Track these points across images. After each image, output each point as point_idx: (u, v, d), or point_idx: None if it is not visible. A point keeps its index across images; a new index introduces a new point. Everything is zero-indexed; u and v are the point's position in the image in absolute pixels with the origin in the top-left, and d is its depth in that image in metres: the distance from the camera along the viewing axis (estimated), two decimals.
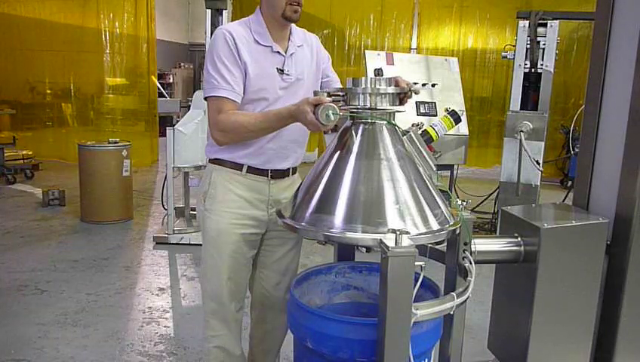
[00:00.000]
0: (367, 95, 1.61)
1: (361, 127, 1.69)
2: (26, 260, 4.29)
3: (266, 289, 2.14)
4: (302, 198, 1.67)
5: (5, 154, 7.21)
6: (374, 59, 4.64)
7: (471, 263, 1.74)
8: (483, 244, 1.82)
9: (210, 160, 2.01)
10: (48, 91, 9.00)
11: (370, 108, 1.62)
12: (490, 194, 5.40)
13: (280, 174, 1.97)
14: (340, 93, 1.68)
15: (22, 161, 7.51)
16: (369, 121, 1.67)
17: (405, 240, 1.42)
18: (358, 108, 1.63)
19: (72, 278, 3.94)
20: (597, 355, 1.99)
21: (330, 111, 1.57)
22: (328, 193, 1.63)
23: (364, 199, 1.60)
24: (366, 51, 4.91)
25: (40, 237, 4.95)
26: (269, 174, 1.94)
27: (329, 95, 1.65)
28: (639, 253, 1.80)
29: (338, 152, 1.69)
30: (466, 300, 1.67)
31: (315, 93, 1.65)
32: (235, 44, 1.83)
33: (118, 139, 5.53)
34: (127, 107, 8.84)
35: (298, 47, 1.98)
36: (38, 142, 8.67)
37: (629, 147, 1.74)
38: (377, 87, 1.61)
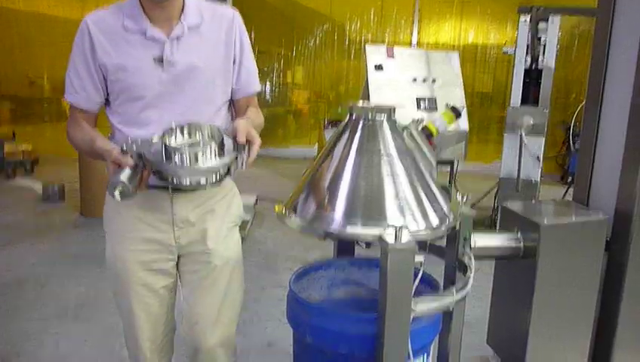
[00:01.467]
0: (181, 173, 1.33)
1: (361, 123, 1.69)
2: (26, 255, 4.29)
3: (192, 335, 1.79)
4: (301, 193, 1.67)
5: (5, 149, 7.20)
6: (375, 54, 4.63)
7: (470, 259, 1.75)
8: (483, 240, 1.82)
9: None
10: (47, 86, 8.99)
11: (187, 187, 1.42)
12: (490, 190, 5.41)
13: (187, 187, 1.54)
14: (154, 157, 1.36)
15: (21, 155, 7.51)
16: (369, 116, 1.66)
17: (405, 236, 1.42)
18: (169, 184, 1.42)
19: (72, 273, 3.95)
20: (596, 351, 2.00)
21: (118, 191, 1.26)
22: (328, 188, 1.63)
23: (364, 194, 1.60)
24: (366, 46, 4.90)
25: (40, 231, 4.95)
26: (169, 188, 1.58)
27: (139, 157, 1.35)
28: (639, 249, 1.80)
29: (338, 147, 1.69)
30: (465, 295, 1.67)
31: (129, 147, 1.36)
32: (91, 37, 1.52)
33: None
34: None
35: (191, 27, 1.58)
36: (38, 136, 8.66)
37: (630, 143, 1.74)
38: (194, 165, 1.32)
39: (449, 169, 4.77)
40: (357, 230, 1.54)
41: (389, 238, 1.41)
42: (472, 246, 1.78)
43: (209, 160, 1.30)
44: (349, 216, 1.57)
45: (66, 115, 6.91)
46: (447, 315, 1.79)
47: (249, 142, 1.40)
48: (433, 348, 1.83)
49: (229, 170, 1.37)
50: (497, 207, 4.92)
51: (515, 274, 2.10)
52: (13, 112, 9.18)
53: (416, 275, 1.47)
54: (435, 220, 1.63)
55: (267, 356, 2.99)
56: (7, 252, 4.34)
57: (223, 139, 1.37)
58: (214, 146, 1.33)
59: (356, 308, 1.73)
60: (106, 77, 1.51)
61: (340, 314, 1.59)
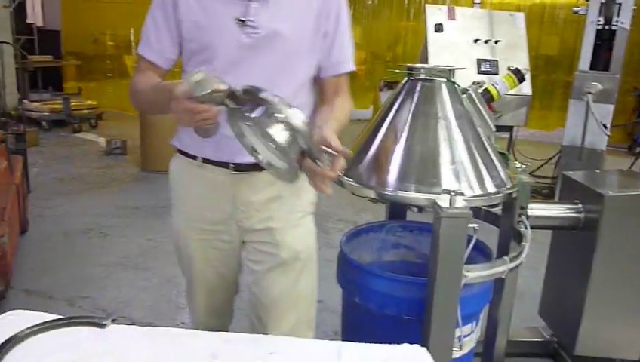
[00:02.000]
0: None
1: (418, 85, 1.65)
2: (91, 205, 4.52)
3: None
4: (355, 155, 1.66)
5: (71, 104, 7.52)
6: (435, 14, 4.46)
7: (526, 228, 1.70)
8: (541, 209, 1.77)
9: None
10: (110, 43, 9.24)
11: None
12: (551, 158, 5.20)
13: (250, 168, 1.36)
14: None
15: (86, 110, 7.82)
16: (427, 78, 1.62)
17: (459, 202, 1.39)
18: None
19: (133, 224, 4.14)
20: None
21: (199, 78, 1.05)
22: (382, 151, 1.62)
23: (419, 158, 1.58)
24: (426, 5, 4.72)
25: (103, 184, 5.20)
26: (231, 166, 1.39)
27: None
28: None
29: (393, 110, 1.66)
30: (519, 265, 1.64)
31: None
32: None
33: None
34: None
35: None
36: (101, 93, 8.98)
37: None
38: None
39: (508, 135, 4.61)
40: (410, 194, 1.52)
41: (443, 203, 1.39)
42: (529, 215, 1.73)
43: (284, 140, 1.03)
44: (403, 179, 1.55)
45: (127, 72, 7.07)
46: (498, 284, 1.77)
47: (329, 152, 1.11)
48: (483, 316, 1.81)
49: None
50: (557, 176, 4.74)
51: (573, 245, 2.03)
52: (79, 69, 9.53)
53: (469, 242, 1.45)
54: (491, 187, 1.59)
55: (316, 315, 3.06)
56: (75, 201, 4.59)
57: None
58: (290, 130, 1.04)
59: (406, 272, 1.73)
60: (183, 34, 1.39)
61: (389, 276, 1.59)
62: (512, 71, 1.93)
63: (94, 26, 9.14)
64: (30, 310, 1.09)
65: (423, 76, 1.65)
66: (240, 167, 1.37)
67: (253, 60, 1.34)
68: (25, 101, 7.29)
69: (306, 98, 1.44)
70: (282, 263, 1.45)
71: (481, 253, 1.74)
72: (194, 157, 1.42)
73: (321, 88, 1.46)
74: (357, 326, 1.72)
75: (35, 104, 7.56)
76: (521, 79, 1.94)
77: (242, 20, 1.32)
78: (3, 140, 3.21)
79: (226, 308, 1.63)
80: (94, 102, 8.09)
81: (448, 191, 1.40)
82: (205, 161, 1.40)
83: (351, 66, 1.45)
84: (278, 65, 1.35)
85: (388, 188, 1.55)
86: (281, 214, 1.44)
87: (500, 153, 1.74)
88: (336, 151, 1.09)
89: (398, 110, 1.64)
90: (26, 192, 4.00)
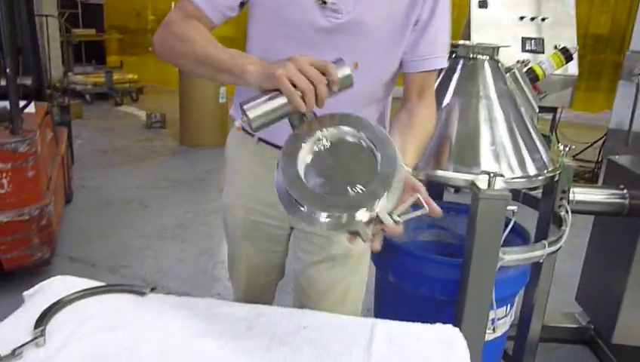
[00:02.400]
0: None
1: (460, 62, 1.61)
2: (132, 177, 4.65)
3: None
4: None
5: (113, 78, 7.68)
6: None
7: (567, 212, 1.66)
8: (583, 194, 1.71)
9: None
10: (151, 17, 9.35)
11: None
12: (596, 142, 5.02)
13: None
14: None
15: (128, 84, 7.98)
16: (470, 56, 1.58)
17: (499, 183, 1.37)
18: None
19: (171, 196, 4.24)
20: None
21: (242, 120, 0.92)
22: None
23: (459, 138, 1.55)
24: None
25: (143, 156, 5.32)
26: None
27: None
28: None
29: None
30: (557, 249, 1.60)
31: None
32: None
33: None
34: (224, 34, 8.99)
35: None
36: (142, 67, 9.12)
37: None
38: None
39: (551, 116, 4.47)
40: (448, 174, 1.50)
41: (482, 184, 1.37)
42: (571, 199, 1.68)
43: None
44: (441, 159, 1.53)
45: None
46: (535, 268, 1.74)
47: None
48: (518, 300, 1.79)
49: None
50: (602, 160, 4.58)
51: (616, 232, 1.97)
52: (121, 43, 9.70)
53: (506, 224, 1.42)
54: (532, 169, 1.55)
55: None
56: (116, 173, 4.73)
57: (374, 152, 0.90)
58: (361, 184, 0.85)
59: (441, 252, 1.72)
60: None
61: (424, 256, 1.58)
62: (560, 49, 1.86)
63: (136, 0, 9.25)
64: (74, 276, 1.14)
65: (465, 54, 1.60)
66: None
67: (328, 47, 1.14)
68: (69, 74, 7.48)
69: (383, 94, 1.26)
70: (332, 258, 1.34)
71: (518, 236, 1.70)
72: (251, 134, 1.28)
73: (404, 84, 1.25)
74: (390, 304, 1.73)
75: (79, 77, 7.76)
76: (569, 58, 1.87)
77: (324, 2, 1.13)
78: (49, 112, 3.31)
79: (267, 292, 1.53)
80: (135, 76, 8.23)
81: (487, 173, 1.37)
82: (261, 140, 1.27)
83: (441, 62, 1.22)
84: (355, 56, 1.15)
85: (425, 168, 1.53)
86: None
87: (543, 135, 1.69)
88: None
89: (438, 88, 1.61)
90: (70, 163, 4.14)
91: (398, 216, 0.85)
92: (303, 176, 0.86)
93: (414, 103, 1.22)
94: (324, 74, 0.90)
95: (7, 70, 2.46)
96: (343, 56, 1.06)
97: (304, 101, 0.88)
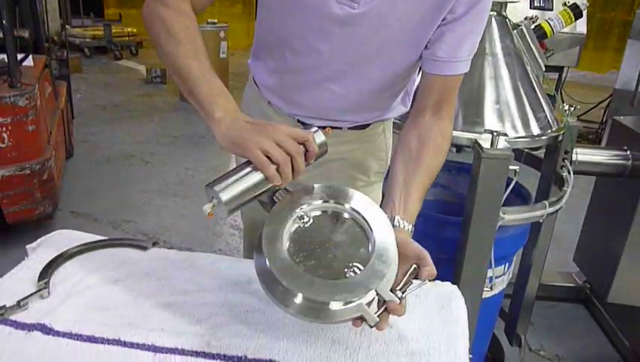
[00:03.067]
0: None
1: None
2: (132, 133, 4.63)
3: None
4: None
5: (112, 31, 7.54)
6: None
7: (569, 173, 1.65)
8: (586, 155, 1.71)
9: None
10: None
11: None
12: (601, 102, 4.97)
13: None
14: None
15: (127, 37, 7.84)
16: None
17: (502, 143, 1.36)
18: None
19: (172, 152, 4.23)
20: None
21: (210, 205, 0.81)
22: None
23: (462, 96, 1.53)
24: None
25: (144, 112, 5.28)
26: (297, 120, 1.18)
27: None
28: None
29: None
30: (558, 210, 1.61)
31: None
32: None
33: (215, 20, 5.56)
34: None
35: None
36: (141, 20, 8.90)
37: None
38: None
39: (557, 75, 4.41)
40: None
41: (485, 143, 1.36)
42: (573, 160, 1.67)
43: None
44: None
45: None
46: (535, 228, 1.75)
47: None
48: (516, 258, 1.81)
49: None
50: (606, 121, 4.54)
51: (617, 193, 1.97)
52: None
53: (508, 184, 1.42)
54: (535, 129, 1.54)
55: None
56: (116, 128, 4.71)
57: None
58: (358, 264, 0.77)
59: (441, 211, 1.72)
60: None
61: (424, 214, 1.59)
62: (569, 6, 1.81)
63: None
64: (77, 230, 1.15)
65: None
66: (304, 125, 1.15)
67: (340, 39, 1.02)
68: (67, 27, 7.34)
69: (403, 83, 1.13)
70: None
71: (519, 196, 1.70)
72: (263, 95, 1.20)
73: (419, 86, 1.08)
74: None
75: (77, 30, 7.62)
76: (578, 15, 1.82)
77: None
78: (47, 66, 3.26)
79: None
80: (135, 30, 8.08)
81: (491, 132, 1.36)
82: (270, 103, 1.20)
83: (463, 67, 1.03)
84: (369, 51, 1.03)
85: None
86: (341, 178, 1.23)
87: (548, 94, 1.67)
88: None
89: None
90: (71, 118, 4.11)
91: (401, 291, 0.78)
92: (292, 263, 0.75)
93: (427, 122, 1.04)
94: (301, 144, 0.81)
95: (4, 22, 2.41)
96: (357, 50, 1.01)
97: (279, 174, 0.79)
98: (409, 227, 0.94)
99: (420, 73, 1.07)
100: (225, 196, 0.78)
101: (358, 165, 1.24)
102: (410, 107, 1.18)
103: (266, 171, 0.79)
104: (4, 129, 2.40)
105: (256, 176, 0.80)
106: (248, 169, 0.80)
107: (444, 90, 1.04)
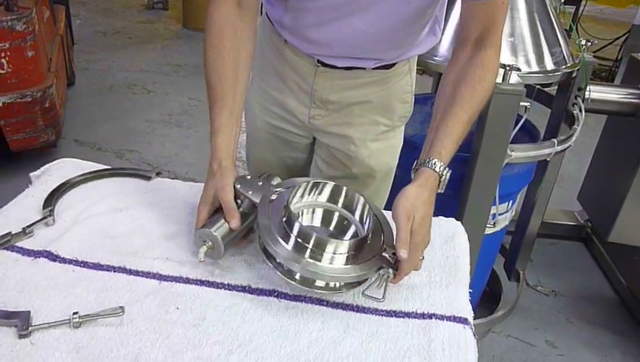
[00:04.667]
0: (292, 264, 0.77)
1: None
2: (134, 60, 4.53)
3: None
4: None
5: None
6: None
7: (581, 111, 1.62)
8: (600, 93, 1.66)
9: None
10: None
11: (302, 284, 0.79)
12: (617, 39, 4.81)
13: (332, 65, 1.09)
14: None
15: None
16: None
17: (514, 78, 1.32)
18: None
19: (175, 82, 4.16)
20: None
21: (204, 249, 0.82)
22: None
23: None
24: None
25: (145, 39, 5.15)
26: (317, 60, 1.09)
27: (252, 208, 0.87)
28: None
29: None
30: (566, 148, 1.59)
31: (238, 182, 0.88)
32: None
33: None
34: None
35: None
36: None
37: None
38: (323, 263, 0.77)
39: (574, 9, 4.24)
40: None
41: (497, 78, 1.31)
42: (586, 97, 1.63)
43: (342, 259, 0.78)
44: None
45: None
46: (541, 166, 1.73)
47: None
48: (520, 196, 1.81)
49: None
50: (621, 58, 4.41)
51: (628, 133, 1.94)
52: None
53: (517, 121, 1.39)
54: (550, 64, 1.49)
55: None
56: (118, 56, 4.60)
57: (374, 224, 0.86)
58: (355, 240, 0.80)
59: None
60: None
61: None
62: None
63: None
64: (80, 159, 1.14)
65: None
66: (324, 65, 1.08)
67: None
68: None
69: (421, 27, 1.05)
70: (352, 176, 1.22)
71: (528, 134, 1.68)
72: (279, 34, 1.09)
73: (461, 16, 0.99)
74: (394, 197, 1.74)
75: None
76: None
77: None
78: None
79: None
80: None
81: (503, 66, 1.31)
82: (287, 42, 1.10)
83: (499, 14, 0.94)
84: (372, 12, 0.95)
85: (436, 58, 1.47)
86: (362, 122, 1.16)
87: (564, 29, 1.60)
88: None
89: None
90: (71, 44, 4.01)
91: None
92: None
93: (470, 55, 0.95)
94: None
95: None
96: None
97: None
98: (435, 163, 0.88)
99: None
100: (220, 233, 0.82)
101: (382, 108, 1.15)
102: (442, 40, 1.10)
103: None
104: (2, 54, 2.35)
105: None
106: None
107: (488, 18, 0.93)
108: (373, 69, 1.08)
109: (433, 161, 0.88)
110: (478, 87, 0.93)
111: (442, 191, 0.88)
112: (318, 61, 1.08)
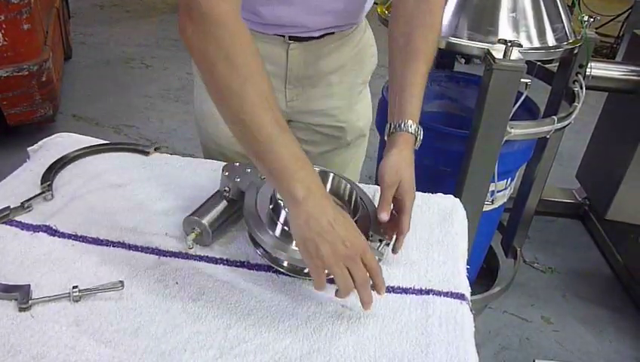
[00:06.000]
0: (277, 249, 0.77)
1: None
2: (132, 35, 4.48)
3: None
4: None
5: None
6: None
7: (581, 88, 1.61)
8: (601, 70, 1.65)
9: None
10: None
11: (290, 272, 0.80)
12: (620, 15, 4.75)
13: (307, 37, 1.03)
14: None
15: None
16: None
17: (515, 54, 1.30)
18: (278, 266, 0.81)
19: (173, 57, 4.11)
20: None
21: (192, 236, 0.81)
22: None
23: (476, 3, 1.45)
24: None
25: (143, 13, 5.08)
26: (286, 37, 1.02)
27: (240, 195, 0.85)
28: None
29: None
30: (566, 126, 1.58)
31: (227, 169, 0.88)
32: None
33: None
34: None
35: None
36: None
37: None
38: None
39: None
40: (462, 41, 1.42)
41: (497, 54, 1.30)
42: (587, 74, 1.62)
43: None
44: (456, 26, 1.44)
45: None
46: (540, 143, 1.73)
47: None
48: (519, 174, 1.81)
49: None
50: (623, 35, 4.37)
51: (629, 110, 1.93)
52: None
53: (517, 98, 1.38)
54: (551, 40, 1.47)
55: None
56: (115, 29, 4.54)
57: (355, 199, 0.87)
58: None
59: (448, 124, 1.70)
60: None
61: (429, 126, 1.56)
62: None
63: None
64: (78, 134, 1.13)
65: None
66: (295, 39, 1.02)
67: None
68: None
69: None
70: (346, 145, 1.20)
71: (528, 111, 1.67)
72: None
73: None
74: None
75: None
76: None
77: None
78: None
79: None
80: None
81: (505, 41, 1.30)
82: (254, 30, 0.99)
83: None
84: None
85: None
86: (343, 89, 1.13)
87: (565, 4, 1.58)
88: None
89: None
90: (67, 17, 3.95)
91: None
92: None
93: (412, 3, 0.91)
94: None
95: None
96: None
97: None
98: (410, 126, 0.87)
99: None
100: (206, 221, 0.82)
101: (357, 68, 1.14)
102: None
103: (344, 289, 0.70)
104: None
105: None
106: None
107: None
108: (342, 30, 1.05)
109: (408, 123, 0.87)
110: (431, 36, 0.91)
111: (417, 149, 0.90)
112: (290, 38, 1.02)
